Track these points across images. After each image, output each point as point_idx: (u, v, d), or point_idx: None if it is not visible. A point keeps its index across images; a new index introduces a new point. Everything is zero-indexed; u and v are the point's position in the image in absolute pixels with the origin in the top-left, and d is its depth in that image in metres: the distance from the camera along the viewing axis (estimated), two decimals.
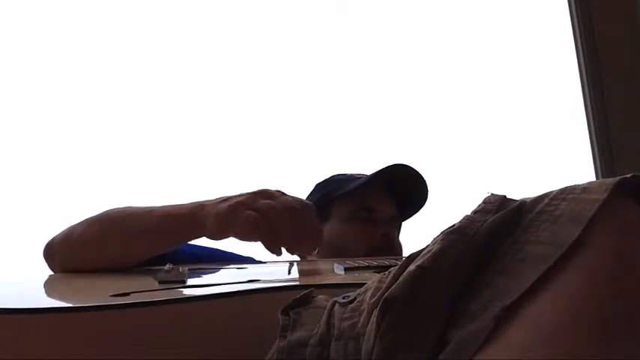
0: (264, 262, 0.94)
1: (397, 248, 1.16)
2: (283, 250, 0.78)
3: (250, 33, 1.62)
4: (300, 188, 1.25)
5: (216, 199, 0.79)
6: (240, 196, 0.78)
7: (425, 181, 1.16)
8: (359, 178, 1.18)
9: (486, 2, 1.66)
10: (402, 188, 1.17)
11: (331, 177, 1.24)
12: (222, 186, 1.42)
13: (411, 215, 1.24)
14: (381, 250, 1.09)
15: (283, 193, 0.80)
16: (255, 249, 0.80)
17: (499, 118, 1.57)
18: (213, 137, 1.56)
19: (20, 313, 0.57)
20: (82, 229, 0.85)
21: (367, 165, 1.21)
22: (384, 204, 1.17)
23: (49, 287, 0.79)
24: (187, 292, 0.69)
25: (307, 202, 0.82)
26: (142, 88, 1.55)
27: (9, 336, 0.56)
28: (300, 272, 0.81)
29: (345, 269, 0.78)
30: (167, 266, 0.77)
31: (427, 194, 1.19)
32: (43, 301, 0.73)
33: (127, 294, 0.62)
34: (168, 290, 0.67)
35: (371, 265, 0.79)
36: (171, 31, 1.59)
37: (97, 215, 0.86)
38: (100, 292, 0.71)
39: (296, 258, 0.88)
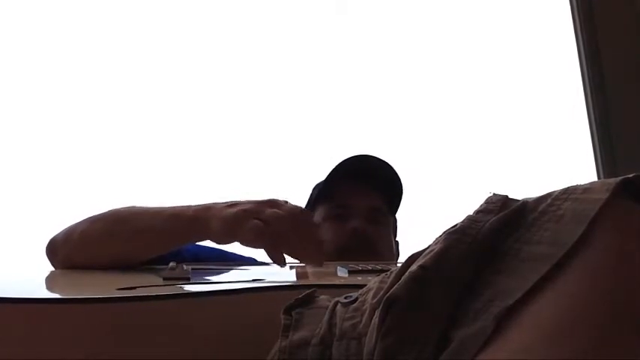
0: (267, 264, 0.95)
1: (376, 243, 1.12)
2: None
3: (250, 33, 1.62)
4: (300, 188, 1.25)
5: (224, 203, 0.80)
6: (248, 203, 0.78)
7: (388, 164, 1.14)
8: None
9: (487, 2, 1.66)
10: (372, 178, 1.15)
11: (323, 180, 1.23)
12: (223, 185, 1.43)
13: (396, 204, 1.20)
14: (353, 247, 1.07)
15: (290, 204, 0.81)
16: (258, 253, 0.81)
17: (501, 117, 1.57)
18: (213, 136, 1.56)
19: (28, 303, 0.57)
20: (84, 226, 0.86)
21: None
22: (353, 197, 1.15)
23: (56, 281, 0.80)
24: (192, 288, 0.70)
25: (309, 212, 0.83)
26: (142, 88, 1.55)
27: (18, 325, 0.56)
28: (303, 274, 0.82)
29: (349, 272, 0.78)
30: (171, 264, 0.78)
31: (396, 178, 1.16)
32: (50, 293, 0.73)
33: (133, 288, 0.63)
34: (174, 286, 0.67)
35: (374, 268, 0.79)
36: (173, 32, 1.59)
37: (101, 214, 0.87)
38: (106, 285, 0.72)
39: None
